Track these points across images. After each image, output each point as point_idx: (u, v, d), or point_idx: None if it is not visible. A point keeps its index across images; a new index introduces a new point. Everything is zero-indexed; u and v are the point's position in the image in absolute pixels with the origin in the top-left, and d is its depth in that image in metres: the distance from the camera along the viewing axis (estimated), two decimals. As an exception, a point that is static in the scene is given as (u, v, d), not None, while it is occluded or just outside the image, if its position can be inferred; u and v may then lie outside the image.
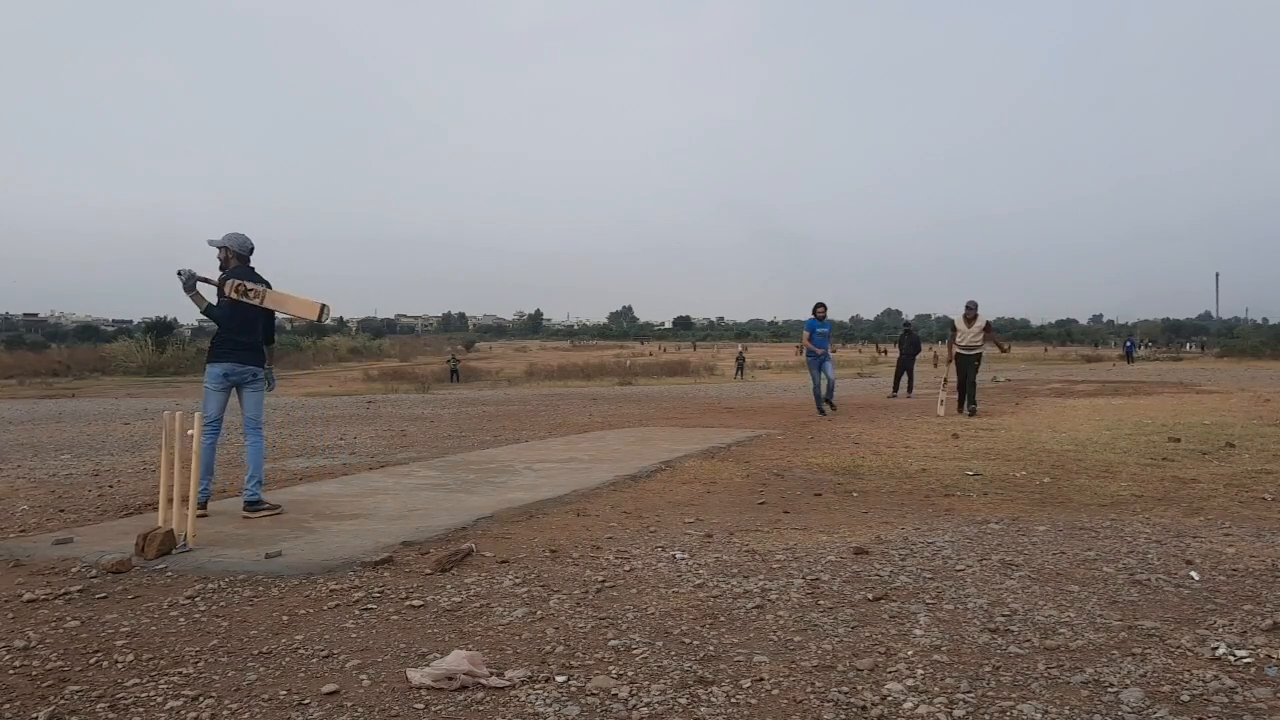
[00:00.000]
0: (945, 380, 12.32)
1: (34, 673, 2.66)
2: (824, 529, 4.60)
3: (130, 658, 2.78)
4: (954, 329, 12.21)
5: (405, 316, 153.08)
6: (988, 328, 11.94)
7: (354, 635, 2.98)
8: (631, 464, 7.05)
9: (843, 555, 3.91)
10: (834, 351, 12.74)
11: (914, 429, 9.73)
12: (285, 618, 3.17)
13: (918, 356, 17.70)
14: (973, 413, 11.41)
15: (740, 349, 43.25)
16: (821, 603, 3.23)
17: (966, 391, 11.74)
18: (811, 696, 2.40)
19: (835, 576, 3.56)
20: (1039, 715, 2.25)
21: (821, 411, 12.14)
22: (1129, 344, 47.04)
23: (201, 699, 2.46)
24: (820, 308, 12.33)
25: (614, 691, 2.44)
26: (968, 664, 2.60)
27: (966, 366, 11.89)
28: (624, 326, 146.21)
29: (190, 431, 4.31)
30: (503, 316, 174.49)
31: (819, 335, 12.32)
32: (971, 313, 11.94)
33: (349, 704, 2.41)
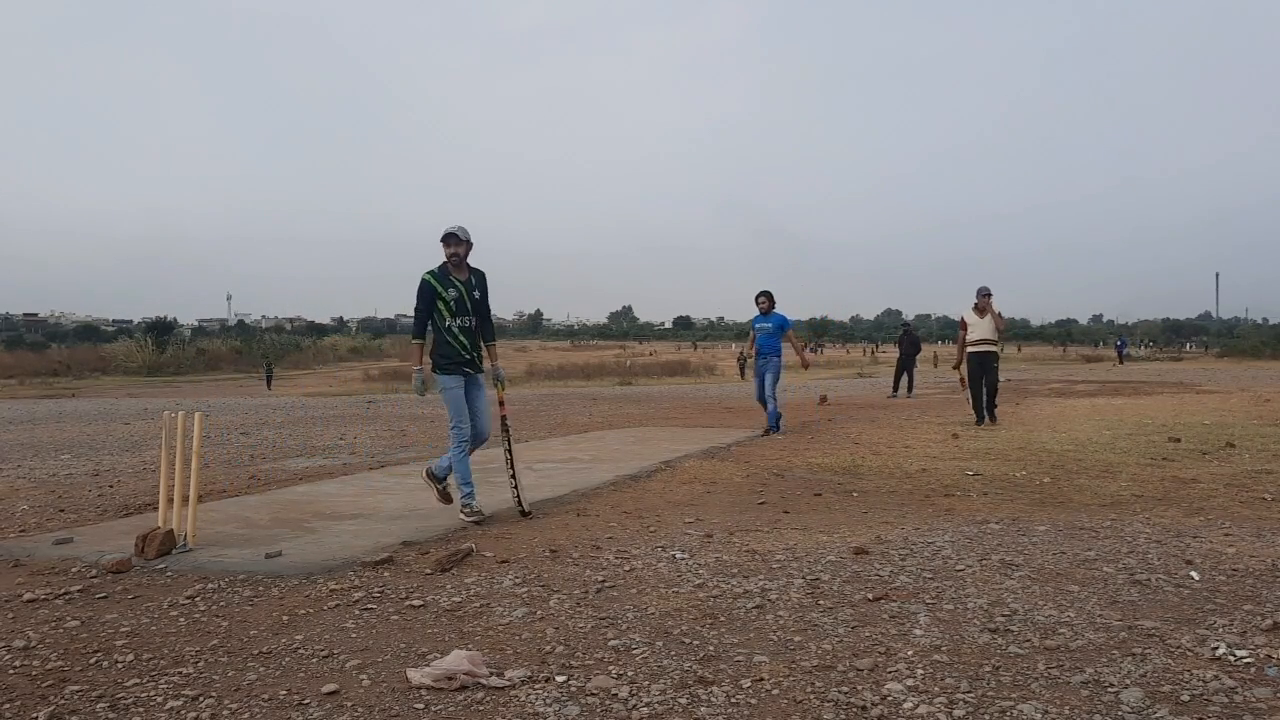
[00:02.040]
0: (963, 381, 10.69)
1: (34, 673, 2.66)
2: (824, 529, 4.60)
3: (130, 658, 2.78)
4: (963, 324, 10.55)
5: (405, 316, 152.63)
6: (998, 317, 10.22)
7: (354, 635, 2.98)
8: (631, 464, 7.05)
9: (843, 555, 3.91)
10: (812, 352, 10.64)
11: (914, 429, 9.72)
12: (285, 618, 3.17)
13: (917, 356, 17.76)
14: (993, 419, 10.04)
15: (742, 351, 43.30)
16: (821, 603, 3.23)
17: (983, 398, 10.14)
18: (811, 696, 2.39)
19: (835, 576, 3.56)
20: (1039, 715, 2.25)
21: (772, 428, 9.50)
22: (1120, 343, 47.19)
23: (201, 699, 2.46)
24: (760, 298, 9.71)
25: (614, 691, 2.44)
26: (968, 664, 2.60)
27: (981, 367, 10.18)
28: (624, 326, 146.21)
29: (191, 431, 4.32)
30: (503, 316, 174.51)
31: (759, 332, 9.74)
32: (983, 301, 10.22)
33: (349, 704, 2.41)
